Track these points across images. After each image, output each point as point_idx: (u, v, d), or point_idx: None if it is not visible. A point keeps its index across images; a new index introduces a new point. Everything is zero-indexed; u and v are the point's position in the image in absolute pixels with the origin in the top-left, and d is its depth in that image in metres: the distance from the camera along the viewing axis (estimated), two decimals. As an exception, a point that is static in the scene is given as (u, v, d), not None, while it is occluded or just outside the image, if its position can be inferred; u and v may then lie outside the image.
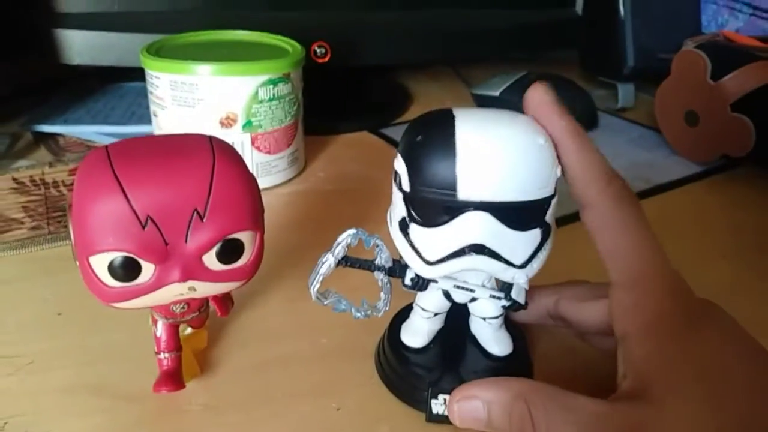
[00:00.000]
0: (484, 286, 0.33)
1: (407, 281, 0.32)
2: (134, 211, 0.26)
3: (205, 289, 0.29)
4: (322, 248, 0.32)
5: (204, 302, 0.33)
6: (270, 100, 0.53)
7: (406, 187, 0.29)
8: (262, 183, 0.55)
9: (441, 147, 0.27)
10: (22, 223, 0.49)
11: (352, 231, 0.31)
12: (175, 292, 0.28)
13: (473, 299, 0.34)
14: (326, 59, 0.71)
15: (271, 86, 0.53)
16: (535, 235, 0.29)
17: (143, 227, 0.26)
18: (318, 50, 0.71)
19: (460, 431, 0.31)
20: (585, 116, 0.75)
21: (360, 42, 0.73)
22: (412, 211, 0.29)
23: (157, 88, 0.53)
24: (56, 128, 0.66)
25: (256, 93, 0.52)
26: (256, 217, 0.29)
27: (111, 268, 0.27)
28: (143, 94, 0.70)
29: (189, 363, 0.35)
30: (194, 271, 0.28)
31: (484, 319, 0.35)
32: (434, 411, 0.33)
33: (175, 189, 0.27)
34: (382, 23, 0.75)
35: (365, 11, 0.75)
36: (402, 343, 0.36)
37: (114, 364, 0.36)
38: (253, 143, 0.54)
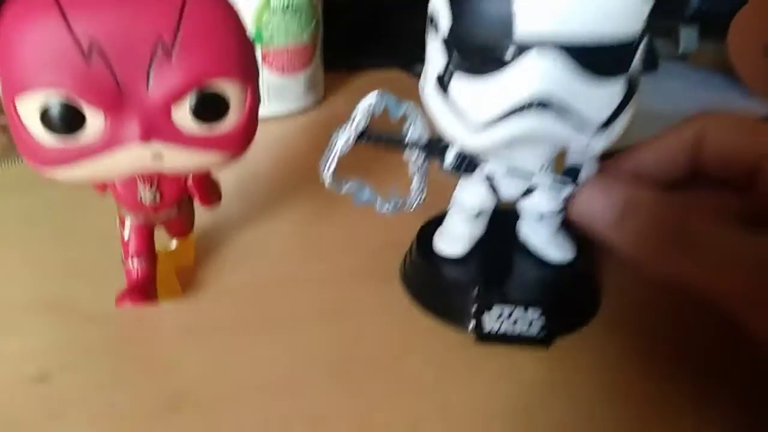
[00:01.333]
0: (543, 170, 0.26)
1: (449, 161, 0.25)
2: (73, 35, 0.19)
3: (176, 159, 0.22)
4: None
5: (183, 195, 0.26)
6: (284, 9, 0.46)
7: (446, 28, 0.22)
8: (275, 108, 0.48)
9: None
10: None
11: (375, 94, 0.24)
12: (136, 159, 0.21)
13: (528, 191, 0.26)
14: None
15: (286, -8, 0.45)
16: (617, 87, 0.22)
17: (86, 58, 0.19)
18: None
19: (510, 353, 0.25)
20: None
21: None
22: (455, 60, 0.22)
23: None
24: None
25: (268, 0, 0.45)
26: (244, 64, 0.22)
27: (44, 116, 0.20)
28: None
29: (168, 281, 0.28)
30: (160, 128, 0.21)
31: (541, 217, 0.27)
32: (486, 327, 0.25)
33: (135, 9, 0.20)
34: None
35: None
36: (436, 252, 0.28)
37: (77, 280, 0.29)
38: (264, 60, 0.47)
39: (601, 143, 0.23)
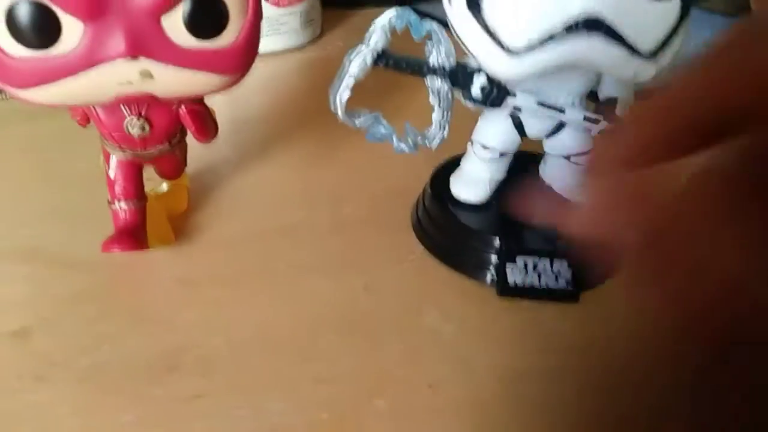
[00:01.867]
0: (574, 105, 0.23)
1: (475, 91, 0.22)
2: None
3: (167, 79, 0.19)
4: None
5: (174, 127, 0.23)
6: (280, -67, 0.42)
7: None
8: (269, 43, 0.45)
9: None
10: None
11: (395, 9, 0.21)
12: (119, 76, 0.18)
13: (555, 130, 0.24)
14: None
15: None
16: (672, 7, 0.20)
17: (60, -51, 0.16)
18: None
19: (533, 307, 0.23)
20: None
21: None
22: None
23: None
24: None
25: None
26: (248, -31, 0.19)
27: (12, 20, 0.17)
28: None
29: (161, 227, 0.25)
30: (148, 41, 0.18)
31: (568, 158, 0.25)
32: (510, 280, 0.23)
33: None
34: None
35: None
36: (453, 198, 0.26)
37: (58, 225, 0.26)
38: (257, -10, 0.43)
39: (649, 72, 0.20)
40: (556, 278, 0.24)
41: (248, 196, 0.29)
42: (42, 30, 0.17)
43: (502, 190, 0.26)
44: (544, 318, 0.23)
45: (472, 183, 0.26)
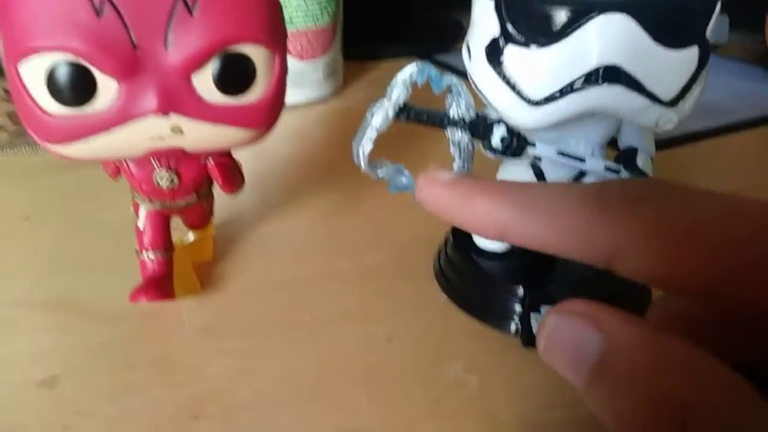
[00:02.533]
0: (594, 155, 0.23)
1: (495, 141, 0.22)
2: (84, -13, 0.17)
3: (197, 134, 0.19)
4: None
5: (202, 178, 0.23)
6: (304, -10, 0.43)
7: None
8: (293, 96, 0.45)
9: None
10: (2, 127, 0.41)
11: (416, 64, 0.21)
12: (153, 132, 0.19)
13: (576, 179, 0.24)
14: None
15: (306, -27, 0.43)
16: (690, 56, 0.20)
17: (98, 14, 0.17)
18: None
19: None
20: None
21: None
22: (510, 25, 0.19)
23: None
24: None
25: (287, -20, 0.42)
26: (273, 27, 0.19)
27: (51, 81, 0.17)
28: None
29: (186, 276, 0.26)
30: (180, 98, 0.18)
31: None
32: (535, 330, 0.23)
33: (150, -41, 0.17)
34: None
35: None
36: (476, 247, 0.26)
37: (86, 276, 0.27)
38: (282, 45, 0.44)
39: (672, 119, 0.21)
40: None
41: (272, 245, 0.30)
42: (79, 89, 0.17)
43: None
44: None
45: None
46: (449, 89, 0.22)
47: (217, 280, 0.27)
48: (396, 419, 0.20)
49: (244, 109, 0.19)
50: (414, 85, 0.21)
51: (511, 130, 0.22)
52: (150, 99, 0.18)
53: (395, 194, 0.24)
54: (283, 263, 0.28)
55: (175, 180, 0.22)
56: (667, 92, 0.20)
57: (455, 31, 0.71)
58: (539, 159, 0.24)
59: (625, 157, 0.24)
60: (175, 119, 0.19)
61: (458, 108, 0.22)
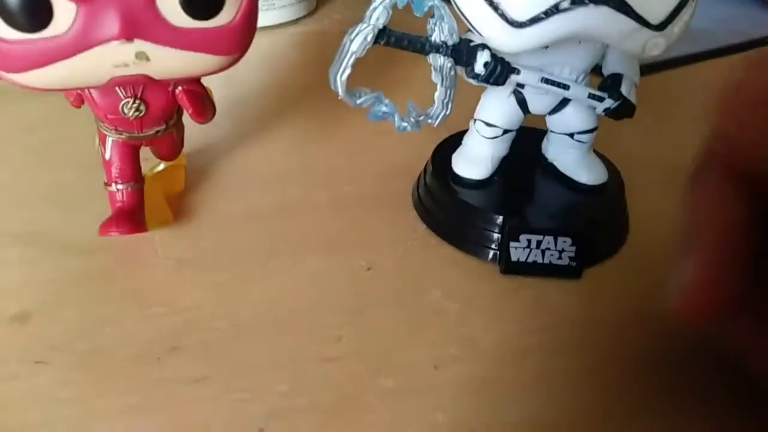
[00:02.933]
0: (579, 81, 0.23)
1: (479, 67, 0.22)
2: None
3: (164, 61, 0.18)
4: None
5: (171, 107, 0.22)
6: None
7: None
8: (265, 18, 0.43)
9: None
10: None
11: None
12: (116, 59, 0.18)
13: (559, 107, 0.24)
14: None
15: None
16: None
17: (49, -73, 0.15)
18: None
19: (537, 284, 0.23)
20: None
21: None
22: None
23: None
24: None
25: None
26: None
27: (3, 3, 0.16)
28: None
29: (158, 206, 0.25)
30: (145, 22, 0.17)
31: (572, 135, 0.25)
32: (514, 257, 0.23)
33: None
34: None
35: None
36: (455, 176, 0.26)
37: (51, 209, 0.26)
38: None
39: (659, 45, 0.20)
40: (560, 255, 0.24)
41: (246, 174, 0.29)
42: (33, 12, 0.16)
43: (504, 166, 0.26)
44: (548, 294, 0.23)
45: (474, 160, 0.25)
46: (431, 12, 0.21)
47: (191, 211, 0.26)
48: (376, 348, 0.21)
49: (213, 33, 0.18)
50: (394, 7, 0.20)
51: (494, 56, 0.21)
52: (112, 23, 0.17)
53: (373, 122, 0.23)
54: (257, 193, 0.28)
55: (142, 109, 0.21)
56: (655, 15, 0.19)
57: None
58: (522, 86, 0.23)
59: (610, 83, 0.23)
60: (140, 45, 0.17)
61: (440, 32, 0.21)
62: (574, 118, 0.24)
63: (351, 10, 0.51)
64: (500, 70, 0.21)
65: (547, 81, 0.22)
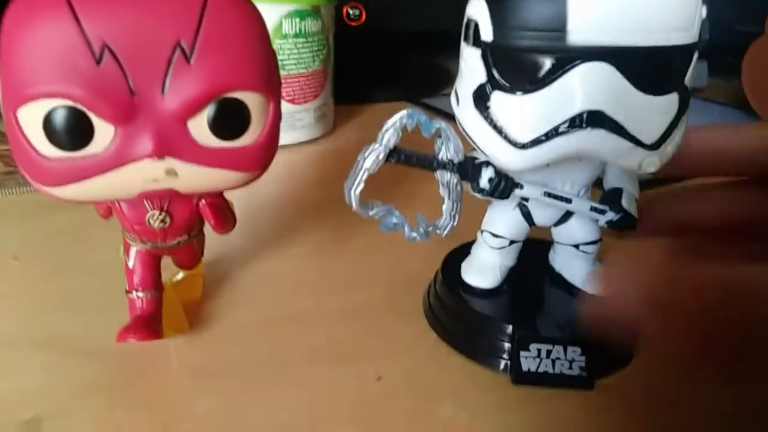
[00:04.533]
0: (581, 195, 0.24)
1: (483, 182, 0.23)
2: (84, 36, 0.17)
3: (192, 177, 0.20)
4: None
5: (194, 219, 0.24)
6: (296, 36, 0.45)
7: (488, 34, 0.20)
8: (285, 137, 0.46)
9: None
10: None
11: (407, 110, 0.22)
12: (147, 175, 0.19)
13: (563, 219, 0.25)
14: (360, 22, 0.63)
15: (298, 19, 0.44)
16: (670, 102, 0.21)
17: (97, 62, 0.17)
18: (351, 12, 0.63)
19: (548, 395, 0.23)
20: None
21: (397, 5, 0.65)
22: (496, 72, 0.20)
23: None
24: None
25: (280, 25, 0.44)
26: (268, 75, 0.20)
27: (48, 125, 0.18)
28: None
29: (175, 315, 0.26)
30: (175, 142, 0.19)
31: (577, 247, 0.26)
32: (524, 367, 0.23)
33: (150, 9, 0.18)
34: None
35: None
36: (465, 285, 0.26)
37: (72, 315, 0.27)
38: (273, 88, 0.45)
39: (654, 162, 0.21)
40: (570, 365, 0.24)
41: (262, 284, 0.30)
42: (76, 133, 0.18)
43: (513, 275, 0.27)
44: (559, 406, 0.23)
45: (483, 270, 0.26)
46: (438, 133, 0.23)
47: (206, 319, 0.27)
48: (385, 460, 0.20)
49: (237, 153, 0.20)
50: (404, 129, 0.22)
51: (498, 172, 0.23)
52: (146, 143, 0.18)
53: (384, 233, 0.24)
54: (271, 302, 0.28)
55: (168, 221, 0.22)
56: (649, 136, 0.20)
57: (442, 77, 0.73)
58: (526, 200, 0.24)
59: (611, 198, 0.24)
60: (170, 162, 0.19)
61: (447, 151, 0.22)
62: (579, 229, 0.25)
63: (366, 130, 0.54)
64: (504, 185, 0.23)
65: (549, 195, 0.23)
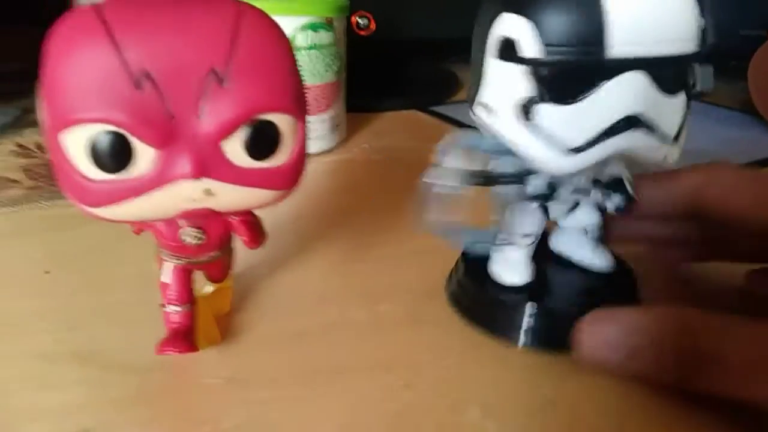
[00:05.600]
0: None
1: (531, 189, 0.25)
2: (125, 63, 0.18)
3: (228, 196, 0.21)
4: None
5: (226, 237, 0.24)
6: (309, 48, 0.45)
7: (532, 50, 0.21)
8: (300, 148, 0.47)
9: None
10: (19, 182, 0.42)
11: (459, 132, 0.24)
12: (185, 195, 0.20)
13: (571, 209, 0.27)
14: (369, 31, 0.64)
15: (311, 31, 0.45)
16: (682, 100, 0.23)
17: (137, 88, 0.18)
18: (360, 21, 0.63)
19: (577, 403, 0.24)
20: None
21: (406, 14, 0.66)
22: (543, 86, 0.22)
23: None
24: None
25: (294, 38, 0.45)
26: (297, 97, 0.21)
27: (93, 150, 0.19)
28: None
29: (208, 327, 0.27)
30: (212, 163, 0.20)
31: (585, 231, 0.28)
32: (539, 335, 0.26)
33: (185, 37, 0.19)
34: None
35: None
36: (496, 284, 0.28)
37: (108, 329, 0.27)
38: (289, 100, 0.46)
39: (675, 154, 0.24)
40: None
41: (286, 295, 0.31)
42: (118, 157, 0.19)
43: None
44: (585, 410, 0.24)
45: (515, 266, 0.28)
46: (488, 151, 0.24)
47: (236, 331, 0.28)
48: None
49: (270, 172, 0.21)
50: (460, 148, 0.24)
51: (543, 179, 0.25)
52: (184, 164, 0.19)
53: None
54: (298, 314, 0.29)
55: (202, 237, 0.23)
56: (671, 132, 0.23)
57: (450, 84, 0.74)
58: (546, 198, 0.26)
59: (615, 185, 0.26)
60: (207, 183, 0.20)
61: (505, 165, 0.25)
62: (587, 217, 0.28)
63: (378, 139, 0.55)
64: (548, 190, 0.25)
65: (575, 191, 0.26)
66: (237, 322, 0.28)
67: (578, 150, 0.22)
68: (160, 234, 0.23)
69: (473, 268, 0.29)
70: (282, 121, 0.20)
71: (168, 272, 0.25)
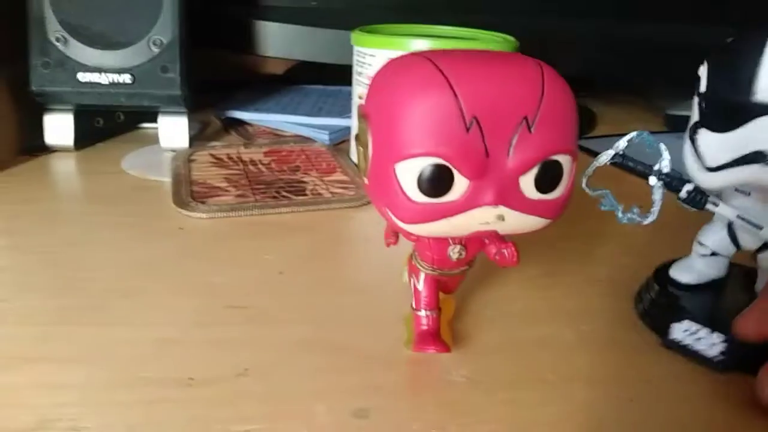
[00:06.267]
0: None
1: (683, 194, 0.30)
2: (461, 109, 0.22)
3: (514, 222, 0.24)
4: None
5: (478, 253, 0.28)
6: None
7: (704, 87, 0.28)
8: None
9: (748, 49, 0.26)
10: (227, 191, 0.48)
11: (636, 132, 0.29)
12: (482, 218, 0.24)
13: (763, 248, 0.30)
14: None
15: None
16: None
17: (467, 129, 0.22)
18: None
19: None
20: None
21: (550, 50, 0.69)
22: (704, 115, 0.28)
23: (369, 67, 0.51)
24: (248, 115, 0.65)
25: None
26: (576, 139, 0.24)
27: (421, 178, 0.23)
28: (326, 94, 0.69)
29: (445, 332, 0.30)
30: (509, 194, 0.23)
31: None
32: (672, 336, 0.30)
33: (507, 89, 0.23)
34: (570, 32, 0.71)
35: (557, 17, 0.72)
36: (671, 280, 0.34)
37: (348, 325, 0.32)
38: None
39: None
40: (711, 347, 0.29)
41: (495, 308, 0.34)
42: (441, 185, 0.23)
43: (715, 286, 0.33)
44: None
45: (686, 268, 0.33)
46: (660, 149, 0.29)
47: (460, 338, 0.31)
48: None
49: (549, 203, 0.24)
50: (632, 142, 0.29)
51: (696, 187, 0.29)
52: (489, 194, 0.23)
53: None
54: (509, 326, 0.33)
55: (463, 253, 0.27)
56: None
57: (590, 120, 0.76)
58: (731, 222, 0.30)
59: None
60: (501, 209, 0.23)
61: (661, 164, 0.29)
62: None
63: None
64: (699, 198, 0.30)
65: (742, 219, 0.30)
66: (457, 329, 0.32)
67: (716, 170, 0.27)
68: (428, 247, 0.27)
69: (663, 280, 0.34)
70: (565, 160, 0.24)
71: (422, 281, 0.29)
